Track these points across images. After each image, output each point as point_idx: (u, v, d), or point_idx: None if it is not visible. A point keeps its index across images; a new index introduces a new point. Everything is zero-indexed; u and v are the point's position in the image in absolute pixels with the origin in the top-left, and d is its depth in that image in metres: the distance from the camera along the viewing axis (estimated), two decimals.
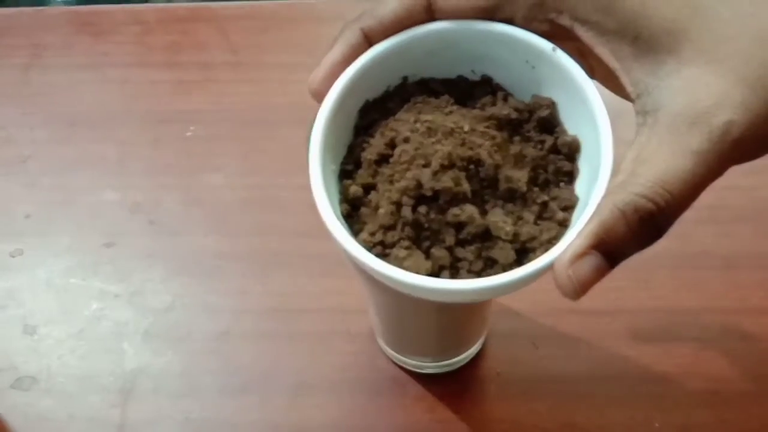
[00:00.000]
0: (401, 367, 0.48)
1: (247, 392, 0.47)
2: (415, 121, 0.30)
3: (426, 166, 0.28)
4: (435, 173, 0.28)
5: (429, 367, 0.47)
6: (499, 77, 0.32)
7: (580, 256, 0.25)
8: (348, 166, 0.31)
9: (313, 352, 0.48)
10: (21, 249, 0.54)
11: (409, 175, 0.28)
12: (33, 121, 0.62)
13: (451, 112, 0.31)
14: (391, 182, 0.29)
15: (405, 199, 0.28)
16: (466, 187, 0.28)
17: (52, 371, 0.49)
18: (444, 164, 0.28)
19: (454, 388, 0.47)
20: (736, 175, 0.28)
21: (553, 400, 0.46)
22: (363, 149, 0.31)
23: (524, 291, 0.49)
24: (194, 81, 0.63)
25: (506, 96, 0.32)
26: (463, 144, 0.29)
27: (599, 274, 0.26)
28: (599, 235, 0.25)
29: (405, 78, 0.32)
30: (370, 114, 0.32)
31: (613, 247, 0.26)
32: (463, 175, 0.28)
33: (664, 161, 0.26)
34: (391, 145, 0.30)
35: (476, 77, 0.33)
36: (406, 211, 0.28)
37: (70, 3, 0.76)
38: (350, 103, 0.31)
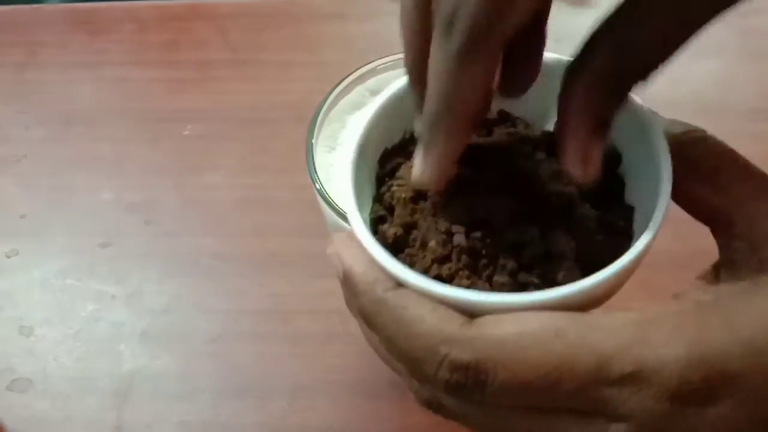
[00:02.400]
0: None
1: (245, 394, 0.47)
2: None
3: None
4: (484, 195, 0.26)
5: None
6: (516, 110, 0.31)
7: None
8: (380, 213, 0.29)
9: (312, 354, 0.48)
10: (16, 249, 0.54)
11: (455, 200, 0.26)
12: (28, 119, 0.61)
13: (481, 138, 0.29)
14: (435, 214, 0.27)
15: (456, 227, 0.26)
16: (521, 205, 0.26)
17: (48, 373, 0.48)
18: (493, 183, 0.27)
19: None
20: None
21: None
22: (393, 192, 0.29)
23: None
24: (192, 79, 0.63)
25: (527, 125, 0.31)
26: (505, 162, 0.28)
27: None
28: None
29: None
30: (392, 160, 0.30)
31: None
32: (515, 193, 0.27)
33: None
34: None
35: (491, 114, 0.31)
36: (460, 239, 0.26)
37: (66, 0, 0.76)
38: (370, 153, 0.29)
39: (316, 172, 0.35)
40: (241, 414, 0.46)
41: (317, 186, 0.35)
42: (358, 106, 0.38)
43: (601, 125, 0.24)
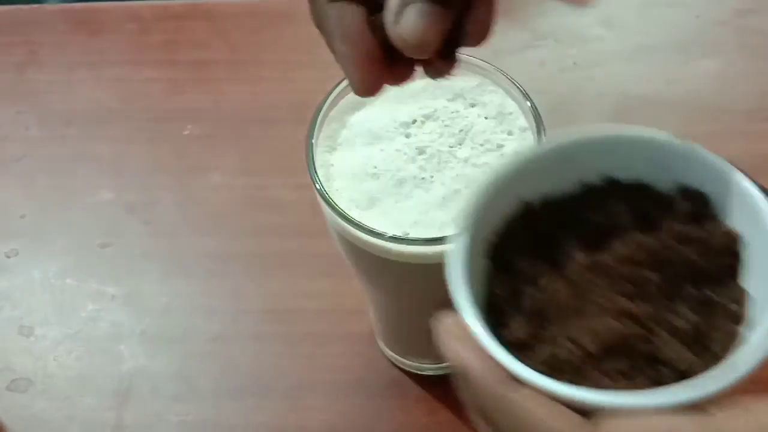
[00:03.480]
0: (401, 369, 0.47)
1: (245, 394, 0.47)
2: (574, 263, 0.28)
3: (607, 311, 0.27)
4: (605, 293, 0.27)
5: (429, 368, 0.47)
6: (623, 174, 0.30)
7: None
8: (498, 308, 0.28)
9: (312, 354, 0.48)
10: (16, 249, 0.54)
11: (598, 325, 0.26)
12: (28, 120, 0.61)
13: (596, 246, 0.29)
14: (559, 315, 0.27)
15: (597, 349, 0.26)
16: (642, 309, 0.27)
17: (48, 373, 0.48)
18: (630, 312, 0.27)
19: (454, 389, 0.46)
20: None
21: None
22: (515, 294, 0.28)
23: None
24: (191, 79, 0.63)
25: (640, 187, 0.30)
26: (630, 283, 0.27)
27: None
28: None
29: (525, 202, 0.30)
30: (504, 251, 0.30)
31: None
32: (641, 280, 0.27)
33: None
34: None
35: (597, 181, 0.30)
36: (586, 341, 0.26)
37: (66, 0, 0.76)
38: (474, 239, 0.29)
39: (316, 172, 0.35)
40: (241, 414, 0.46)
41: (317, 186, 0.35)
42: (358, 106, 0.38)
43: None
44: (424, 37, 0.24)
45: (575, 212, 0.30)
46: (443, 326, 0.26)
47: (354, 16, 0.26)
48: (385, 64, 0.27)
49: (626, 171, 0.30)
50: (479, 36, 0.27)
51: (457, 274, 0.27)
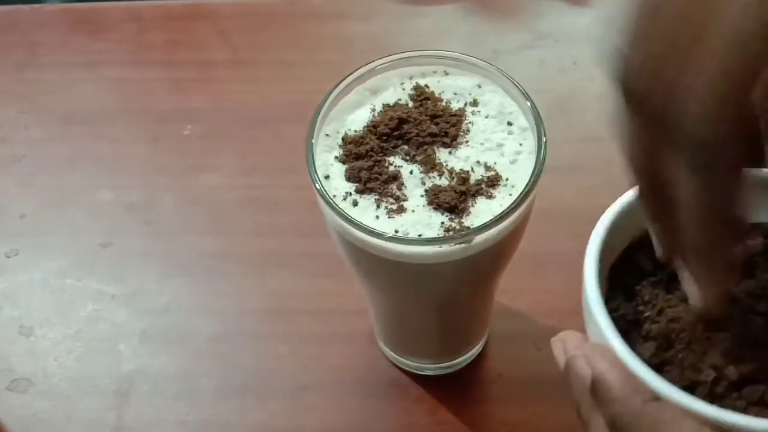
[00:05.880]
0: (401, 369, 0.47)
1: (246, 394, 0.47)
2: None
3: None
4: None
5: (429, 368, 0.47)
6: None
7: None
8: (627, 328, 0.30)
9: (312, 354, 0.48)
10: (16, 249, 0.54)
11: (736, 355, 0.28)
12: (28, 119, 0.61)
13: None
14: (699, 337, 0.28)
15: (737, 377, 0.27)
16: None
17: (48, 373, 0.48)
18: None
19: (454, 389, 0.46)
20: None
21: (556, 402, 0.45)
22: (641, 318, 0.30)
23: (525, 291, 0.48)
24: (192, 79, 0.63)
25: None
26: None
27: None
28: None
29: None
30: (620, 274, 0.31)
31: None
32: None
33: None
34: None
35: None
36: (730, 371, 0.27)
37: (66, 0, 0.76)
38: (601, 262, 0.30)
39: (316, 172, 0.35)
40: (241, 414, 0.46)
41: (317, 186, 0.35)
42: (358, 105, 0.38)
43: None
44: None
45: None
46: (571, 344, 0.28)
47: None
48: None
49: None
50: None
51: (594, 296, 0.28)
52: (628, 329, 0.29)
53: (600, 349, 0.27)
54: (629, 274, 0.31)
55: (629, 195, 0.30)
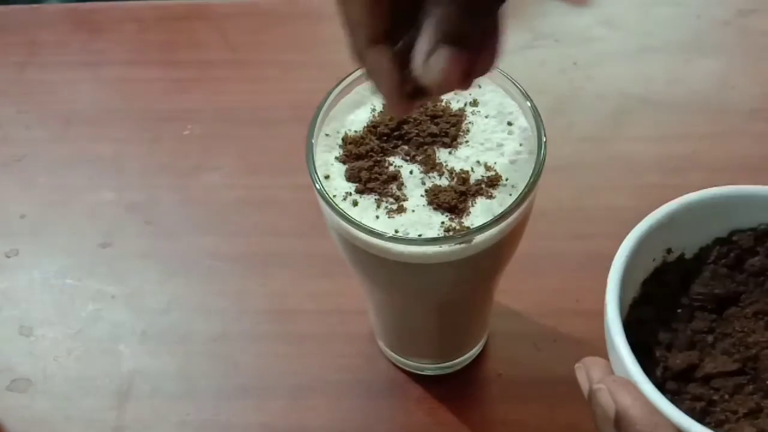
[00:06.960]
0: (401, 369, 0.47)
1: (245, 394, 0.47)
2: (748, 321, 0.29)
3: None
4: None
5: (429, 368, 0.47)
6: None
7: None
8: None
9: (312, 354, 0.48)
10: (16, 249, 0.54)
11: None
12: (28, 119, 0.61)
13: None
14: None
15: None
16: None
17: (48, 373, 0.48)
18: None
19: (454, 389, 0.46)
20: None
21: (555, 402, 0.45)
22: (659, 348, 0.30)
23: (525, 291, 0.49)
24: (192, 79, 0.63)
25: None
26: None
27: None
28: None
29: (668, 250, 0.32)
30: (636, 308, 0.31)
31: None
32: None
33: None
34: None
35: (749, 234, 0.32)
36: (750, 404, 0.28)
37: (66, 0, 0.76)
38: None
39: (316, 172, 0.35)
40: (241, 414, 0.46)
41: (317, 186, 0.35)
42: (358, 105, 0.38)
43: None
44: (448, 77, 0.27)
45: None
46: (596, 374, 0.28)
47: (386, 59, 0.30)
48: (411, 95, 0.30)
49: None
50: (489, 68, 0.30)
51: (616, 330, 0.28)
52: (650, 348, 0.30)
53: (623, 383, 0.27)
54: (650, 302, 0.31)
55: (648, 221, 0.30)
